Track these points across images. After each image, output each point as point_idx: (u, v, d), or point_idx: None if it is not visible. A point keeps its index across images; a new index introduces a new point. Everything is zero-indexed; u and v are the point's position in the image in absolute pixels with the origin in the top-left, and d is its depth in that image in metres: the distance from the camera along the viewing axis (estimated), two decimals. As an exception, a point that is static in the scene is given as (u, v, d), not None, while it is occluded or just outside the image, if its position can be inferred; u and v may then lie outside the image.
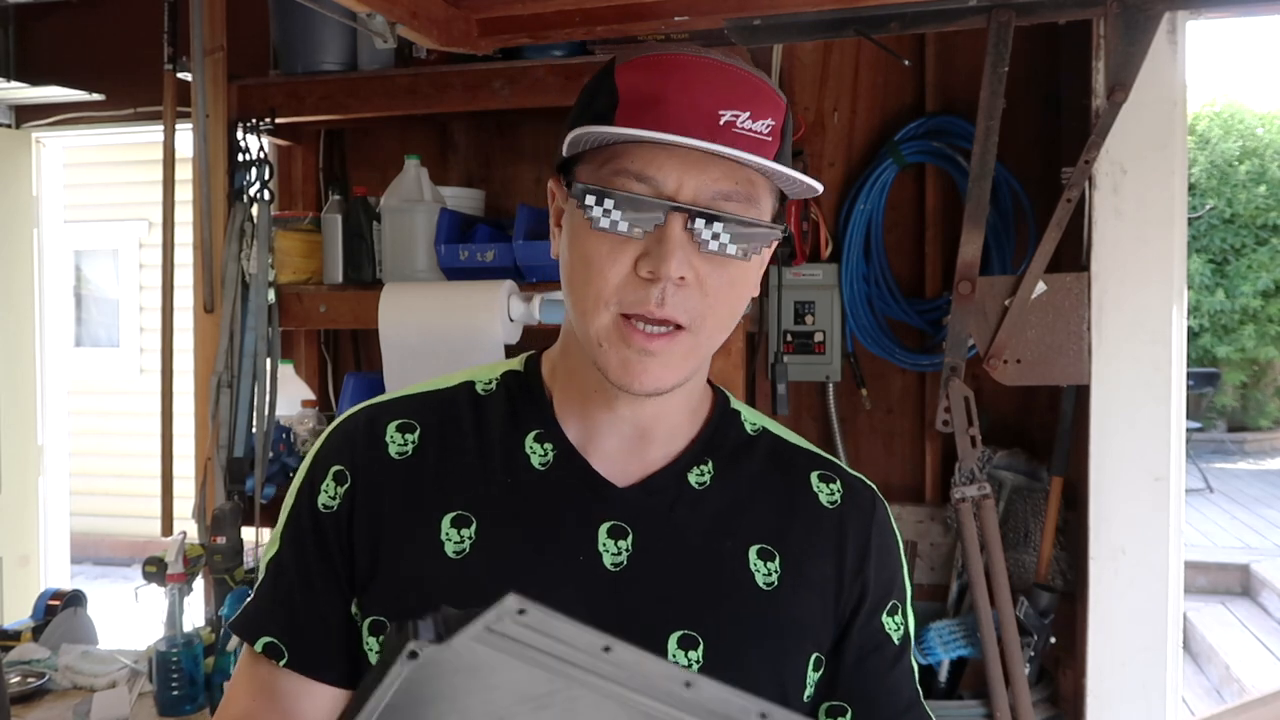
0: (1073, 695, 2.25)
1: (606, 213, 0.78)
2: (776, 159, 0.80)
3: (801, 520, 0.90)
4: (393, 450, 0.88)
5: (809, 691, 0.88)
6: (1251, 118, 10.08)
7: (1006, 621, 2.10)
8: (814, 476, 0.93)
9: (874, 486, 0.95)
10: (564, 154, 0.83)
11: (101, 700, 1.96)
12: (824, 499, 0.92)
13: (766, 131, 0.79)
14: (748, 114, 0.78)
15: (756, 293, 0.93)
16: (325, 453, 0.89)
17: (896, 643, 0.91)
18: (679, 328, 0.80)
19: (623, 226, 0.78)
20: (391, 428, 0.89)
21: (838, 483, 0.93)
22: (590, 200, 0.79)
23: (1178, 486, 2.11)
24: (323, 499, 0.87)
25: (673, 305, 0.79)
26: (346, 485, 0.86)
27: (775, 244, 0.86)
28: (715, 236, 0.79)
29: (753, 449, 0.93)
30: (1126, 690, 2.10)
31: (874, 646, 0.90)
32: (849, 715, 0.89)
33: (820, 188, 0.82)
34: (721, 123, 0.77)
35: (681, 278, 0.79)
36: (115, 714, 1.94)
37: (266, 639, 0.86)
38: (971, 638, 2.23)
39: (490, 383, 0.93)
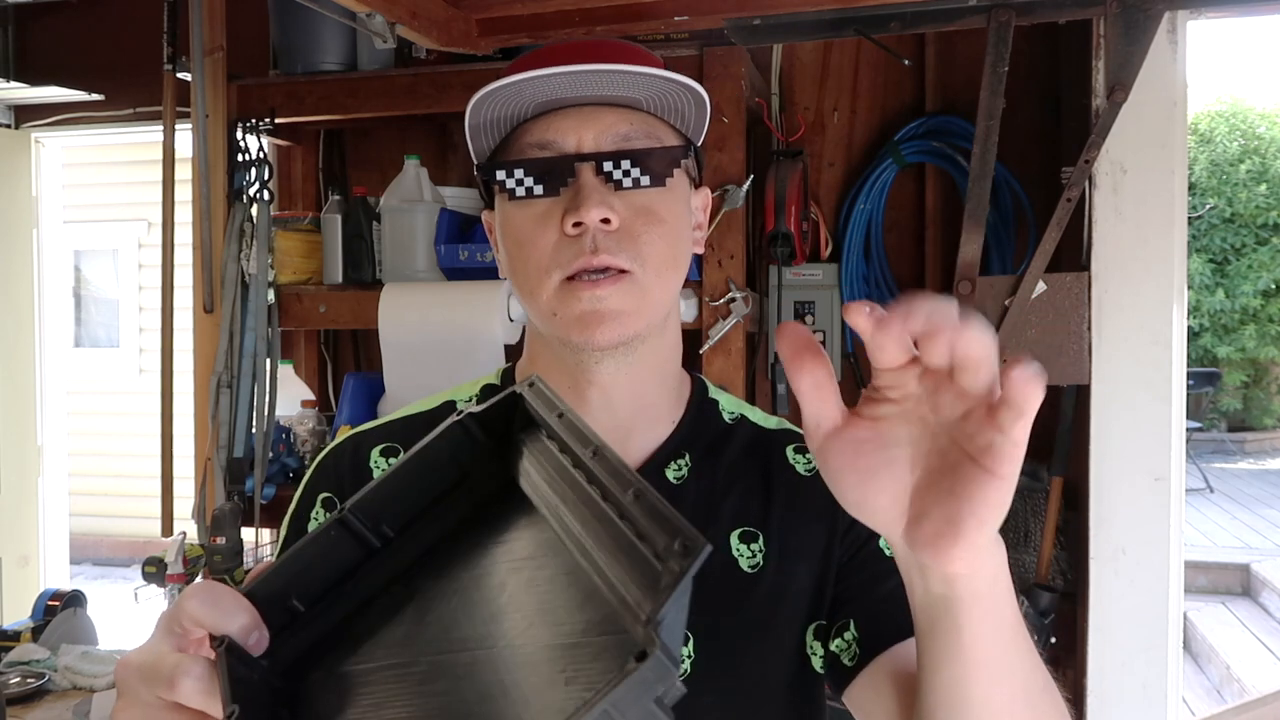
0: (1073, 695, 2.24)
1: (520, 181, 0.83)
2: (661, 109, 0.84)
3: (781, 495, 0.90)
4: (378, 475, 0.89)
5: (819, 661, 0.87)
6: (1253, 116, 10.07)
7: (1006, 621, 2.10)
8: (789, 450, 0.93)
9: None
10: (474, 160, 0.88)
11: (101, 700, 1.96)
12: (801, 468, 0.92)
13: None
14: (623, 65, 0.82)
15: (699, 227, 0.93)
16: (315, 480, 0.93)
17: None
18: (621, 272, 0.82)
19: (539, 190, 0.83)
20: (375, 453, 0.92)
21: None
22: (502, 175, 0.83)
23: (1178, 486, 2.11)
24: (314, 526, 0.89)
25: (606, 251, 0.81)
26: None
27: (694, 173, 0.89)
28: (626, 173, 0.83)
29: (730, 438, 0.93)
30: (1126, 690, 2.10)
31: (874, 561, 0.87)
32: (852, 626, 0.85)
33: (704, 93, 0.84)
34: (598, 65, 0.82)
35: (606, 220, 0.81)
36: (115, 714, 1.94)
37: None
38: (971, 638, 2.23)
39: (470, 399, 0.94)
